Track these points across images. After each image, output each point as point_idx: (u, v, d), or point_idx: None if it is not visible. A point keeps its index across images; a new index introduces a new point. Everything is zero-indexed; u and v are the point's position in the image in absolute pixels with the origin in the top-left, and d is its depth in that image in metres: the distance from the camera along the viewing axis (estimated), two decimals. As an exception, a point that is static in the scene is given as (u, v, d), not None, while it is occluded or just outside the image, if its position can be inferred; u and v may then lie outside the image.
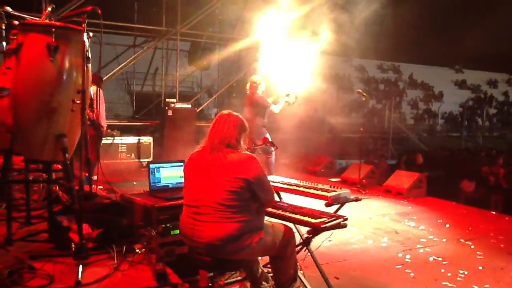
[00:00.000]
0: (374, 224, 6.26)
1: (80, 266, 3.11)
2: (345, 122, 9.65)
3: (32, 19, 4.00)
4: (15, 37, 3.57)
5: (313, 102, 8.76)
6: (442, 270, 4.60)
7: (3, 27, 4.34)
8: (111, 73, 10.74)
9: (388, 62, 33.73)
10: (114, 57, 12.40)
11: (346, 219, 3.34)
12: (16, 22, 4.17)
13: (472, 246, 5.45)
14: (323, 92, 8.97)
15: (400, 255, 5.03)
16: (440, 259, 4.93)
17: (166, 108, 9.79)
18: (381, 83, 30.44)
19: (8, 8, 4.33)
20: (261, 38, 11.21)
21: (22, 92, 3.42)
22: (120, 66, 10.96)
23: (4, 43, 4.35)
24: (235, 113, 3.17)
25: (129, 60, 11.23)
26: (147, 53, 12.41)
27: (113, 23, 10.42)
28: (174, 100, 10.27)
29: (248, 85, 7.49)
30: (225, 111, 3.19)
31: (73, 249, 3.32)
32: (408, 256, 4.97)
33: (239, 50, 12.90)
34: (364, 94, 8.74)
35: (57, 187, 4.60)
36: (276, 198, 3.80)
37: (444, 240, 5.67)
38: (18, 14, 4.22)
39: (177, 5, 10.85)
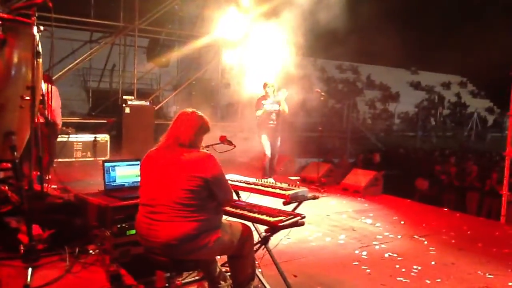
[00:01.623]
0: (332, 221, 6.34)
1: (29, 269, 2.98)
2: (304, 121, 9.73)
3: (-21, 11, 3.81)
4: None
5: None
6: (397, 266, 4.72)
7: None
8: (67, 68, 10.42)
9: (347, 63, 34.35)
10: (70, 52, 12.01)
11: (304, 217, 3.35)
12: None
13: (426, 242, 5.61)
14: (282, 91, 9.00)
15: (357, 251, 5.12)
16: (395, 255, 5.05)
17: (124, 105, 9.59)
18: (340, 83, 30.95)
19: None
20: (222, 36, 11.19)
21: (-33, 87, 3.26)
22: (76, 61, 10.63)
23: None
24: (198, 113, 3.10)
25: (85, 55, 10.91)
26: (104, 49, 12.09)
27: (68, 17, 10.10)
28: (132, 98, 10.07)
29: None
30: (188, 110, 3.12)
31: (22, 251, 3.18)
32: (364, 253, 5.06)
33: (199, 47, 12.79)
34: (323, 93, 8.84)
35: (6, 187, 4.40)
36: (235, 196, 3.78)
37: (399, 236, 5.81)
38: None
39: (135, 1, 10.64)
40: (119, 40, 12.06)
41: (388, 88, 33.90)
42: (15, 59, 3.32)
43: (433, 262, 4.89)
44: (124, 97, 10.04)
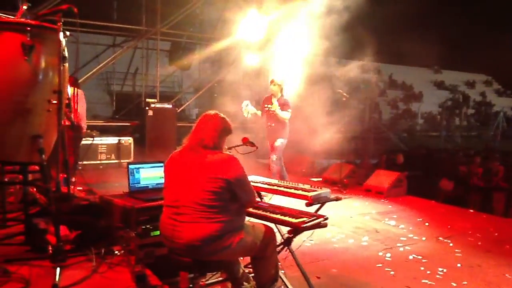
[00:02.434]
0: (355, 223, 6.30)
1: (58, 269, 3.05)
2: (326, 122, 9.68)
3: (7, 17, 3.92)
4: (-12, 35, 3.49)
5: (292, 101, 8.79)
6: (422, 268, 4.65)
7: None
8: (91, 72, 10.60)
9: (369, 63, 34.06)
10: (94, 56, 12.23)
11: (327, 219, 3.34)
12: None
13: (451, 244, 5.52)
14: (304, 93, 8.99)
15: (380, 253, 5.07)
16: (419, 257, 4.99)
17: (147, 108, 9.70)
18: (361, 83, 30.70)
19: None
20: (242, 38, 11.22)
21: (-4, 92, 3.35)
22: (100, 65, 10.81)
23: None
24: (220, 115, 3.13)
25: (108, 59, 11.09)
26: (127, 53, 12.28)
27: (92, 22, 10.28)
28: (155, 100, 10.19)
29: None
30: (211, 112, 3.15)
31: (50, 251, 3.26)
32: (388, 255, 5.01)
33: (220, 50, 12.86)
34: (345, 94, 8.79)
35: (34, 189, 4.51)
36: (257, 198, 3.79)
37: (423, 238, 5.73)
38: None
39: (157, 5, 10.77)
40: (142, 44, 12.23)
41: (411, 88, 33.48)
42: (42, 64, 3.40)
43: (459, 265, 4.81)
44: (147, 100, 10.17)
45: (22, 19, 3.62)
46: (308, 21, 9.15)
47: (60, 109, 3.32)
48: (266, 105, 7.36)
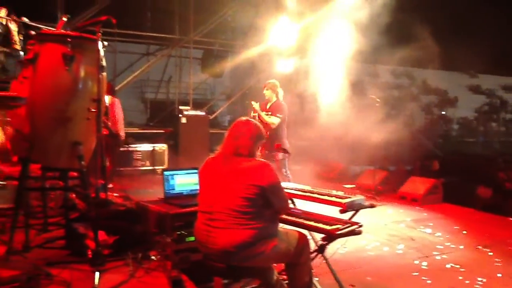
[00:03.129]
0: (389, 230, 6.20)
1: (97, 273, 3.13)
2: (358, 128, 9.58)
3: (48, 29, 4.07)
4: (32, 47, 3.63)
5: (324, 107, 8.74)
6: (460, 277, 4.54)
7: (21, 38, 4.44)
8: (125, 81, 10.85)
9: (401, 68, 33.52)
10: (128, 65, 12.51)
11: (361, 226, 3.32)
12: (33, 32, 4.26)
13: (490, 253, 5.36)
14: (336, 98, 8.94)
15: (416, 262, 4.97)
16: (457, 266, 4.86)
17: (180, 115, 9.85)
18: (394, 88, 30.25)
19: (25, 19, 4.42)
20: (274, 44, 11.27)
21: (39, 101, 3.48)
22: (134, 74, 11.06)
23: (21, 53, 4.43)
24: (253, 121, 3.17)
25: (143, 68, 11.33)
26: (161, 61, 12.50)
27: (127, 31, 10.53)
28: (188, 108, 10.33)
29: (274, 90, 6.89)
30: (242, 118, 3.19)
31: (90, 256, 3.35)
32: (424, 263, 4.91)
33: (251, 57, 12.94)
34: (378, 99, 8.69)
35: (74, 195, 4.64)
36: (291, 204, 3.79)
37: (461, 247, 5.59)
38: (35, 24, 4.30)
39: (189, 13, 10.94)
40: (175, 52, 12.42)
41: (445, 93, 32.73)
42: (82, 74, 3.51)
43: (499, 274, 4.66)
44: (180, 107, 10.32)
45: (63, 31, 3.76)
46: (340, 26, 9.11)
47: (99, 117, 3.41)
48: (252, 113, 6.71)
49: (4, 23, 5.21)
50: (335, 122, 8.87)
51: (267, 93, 6.89)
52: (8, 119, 4.87)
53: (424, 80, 33.11)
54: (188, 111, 10.06)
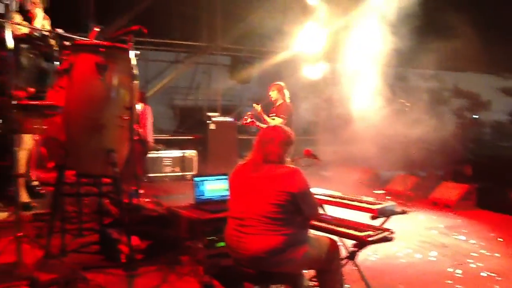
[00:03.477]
0: (422, 237, 6.08)
1: (130, 277, 3.19)
2: (388, 133, 9.45)
3: (82, 39, 4.19)
4: (66, 57, 3.75)
5: (353, 112, 8.67)
6: (496, 287, 4.41)
7: (56, 48, 4.58)
8: (155, 88, 11.03)
9: (431, 71, 32.96)
10: (158, 73, 12.71)
11: (393, 232, 3.28)
12: (67, 43, 4.39)
13: (528, 261, 5.20)
14: (364, 103, 8.87)
15: (450, 269, 4.86)
16: (494, 274, 4.73)
17: (209, 121, 9.94)
18: (424, 92, 29.76)
19: (60, 30, 4.56)
20: (301, 50, 11.27)
21: (74, 109, 3.58)
22: (164, 81, 11.23)
23: (56, 63, 4.57)
24: (282, 127, 3.18)
25: (172, 75, 11.49)
26: (190, 68, 12.66)
27: (156, 40, 10.71)
28: (216, 114, 10.41)
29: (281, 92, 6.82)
30: (271, 124, 3.21)
31: (123, 260, 3.42)
32: (458, 271, 4.80)
33: (278, 62, 12.96)
34: (407, 104, 8.57)
35: (107, 200, 4.75)
36: (321, 210, 3.78)
37: (497, 254, 5.43)
38: (69, 35, 4.43)
39: (217, 21, 11.05)
40: (203, 59, 12.56)
41: (477, 96, 31.99)
42: (115, 82, 3.60)
43: (537, 283, 4.52)
44: (209, 113, 10.41)
45: (96, 41, 3.87)
46: (367, 30, 9.05)
47: (132, 124, 3.49)
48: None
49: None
50: (364, 127, 8.80)
51: (273, 94, 6.85)
52: (45, 127, 5.04)
53: (455, 83, 32.48)
54: (217, 117, 10.14)
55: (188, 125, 13.23)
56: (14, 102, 3.10)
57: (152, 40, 10.54)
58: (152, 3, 10.20)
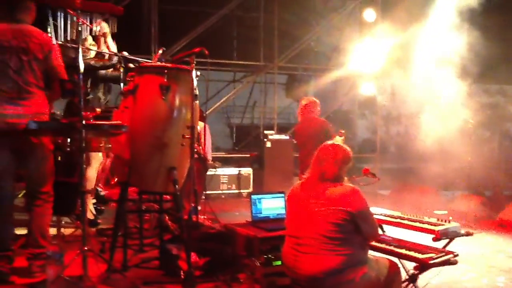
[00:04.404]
0: (488, 261, 5.78)
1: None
2: (450, 151, 9.12)
3: (146, 61, 4.40)
4: (131, 79, 3.94)
5: (412, 130, 8.46)
6: None
7: (122, 70, 4.83)
8: (213, 107, 11.29)
9: (496, 85, 31.53)
10: (216, 92, 13.00)
11: (457, 255, 3.15)
12: (131, 65, 4.63)
13: None
14: (424, 120, 8.64)
15: (519, 296, 4.59)
16: None
17: (265, 139, 10.01)
18: (488, 108, 28.49)
19: (125, 53, 4.82)
20: (358, 68, 11.18)
21: (138, 128, 3.75)
22: (221, 100, 11.47)
23: (122, 84, 4.82)
24: (339, 145, 3.16)
25: (229, 94, 11.72)
26: (246, 87, 12.86)
27: (216, 60, 10.98)
28: (272, 132, 10.48)
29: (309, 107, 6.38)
30: (329, 142, 3.19)
31: (182, 276, 3.49)
32: (529, 298, 4.52)
33: (335, 80, 12.91)
34: (471, 121, 8.26)
35: (166, 217, 4.89)
36: (379, 231, 3.70)
37: None
38: (134, 57, 4.67)
39: (274, 40, 11.20)
40: (260, 78, 12.73)
41: (548, 112, 30.21)
42: (177, 102, 3.74)
43: None
44: (265, 131, 10.50)
45: (160, 63, 4.05)
46: (424, 45, 8.86)
47: (193, 143, 3.61)
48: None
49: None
50: (424, 145, 8.56)
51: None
52: (110, 145, 5.29)
53: (522, 99, 30.86)
54: (273, 135, 10.20)
55: (244, 143, 13.40)
56: (83, 123, 3.29)
57: (212, 60, 10.83)
58: (211, 25, 10.52)
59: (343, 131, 6.28)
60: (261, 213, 4.26)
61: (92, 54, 5.28)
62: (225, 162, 10.70)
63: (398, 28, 9.89)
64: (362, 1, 11.75)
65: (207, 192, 9.18)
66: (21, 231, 4.54)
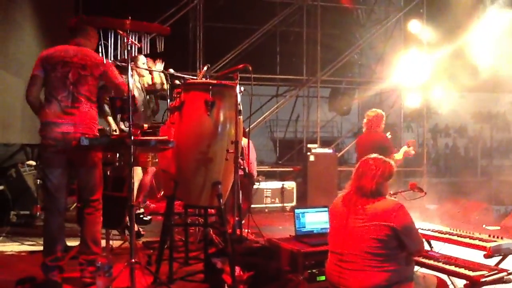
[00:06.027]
0: (545, 280, 5.48)
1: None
2: (502, 165, 8.77)
3: (192, 78, 4.52)
4: (178, 95, 4.06)
5: (464, 143, 8.22)
6: None
7: (168, 87, 4.99)
8: (256, 122, 11.38)
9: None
10: (259, 107, 13.12)
11: (510, 274, 3.02)
12: (177, 82, 4.76)
13: None
14: (474, 132, 8.38)
15: None
16: None
17: (308, 153, 9.98)
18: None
19: (171, 70, 4.97)
20: (403, 80, 11.00)
21: (184, 144, 3.84)
22: (264, 115, 11.55)
23: (168, 101, 4.96)
24: (381, 158, 3.10)
25: (272, 109, 11.79)
26: (289, 101, 12.90)
27: (259, 75, 11.10)
28: (316, 146, 10.43)
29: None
30: (370, 156, 3.15)
31: (227, 290, 3.53)
32: None
33: (379, 93, 12.74)
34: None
35: (211, 230, 4.95)
36: (427, 247, 3.61)
37: None
38: (179, 74, 4.81)
39: (317, 54, 11.21)
40: (303, 92, 12.75)
41: None
42: (221, 118, 3.82)
43: None
44: (308, 145, 10.47)
45: (205, 80, 4.15)
46: (469, 57, 8.63)
47: (237, 158, 3.67)
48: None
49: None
50: (473, 158, 8.29)
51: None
52: (157, 160, 5.45)
53: None
54: (316, 149, 10.15)
55: (287, 157, 13.40)
56: (132, 138, 3.41)
57: (256, 75, 10.95)
58: (255, 40, 10.68)
59: (411, 140, 6.16)
60: (304, 227, 4.25)
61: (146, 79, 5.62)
62: (269, 176, 10.74)
63: (444, 38, 9.69)
64: (406, 12, 11.59)
65: (252, 205, 9.24)
66: (71, 243, 4.75)
